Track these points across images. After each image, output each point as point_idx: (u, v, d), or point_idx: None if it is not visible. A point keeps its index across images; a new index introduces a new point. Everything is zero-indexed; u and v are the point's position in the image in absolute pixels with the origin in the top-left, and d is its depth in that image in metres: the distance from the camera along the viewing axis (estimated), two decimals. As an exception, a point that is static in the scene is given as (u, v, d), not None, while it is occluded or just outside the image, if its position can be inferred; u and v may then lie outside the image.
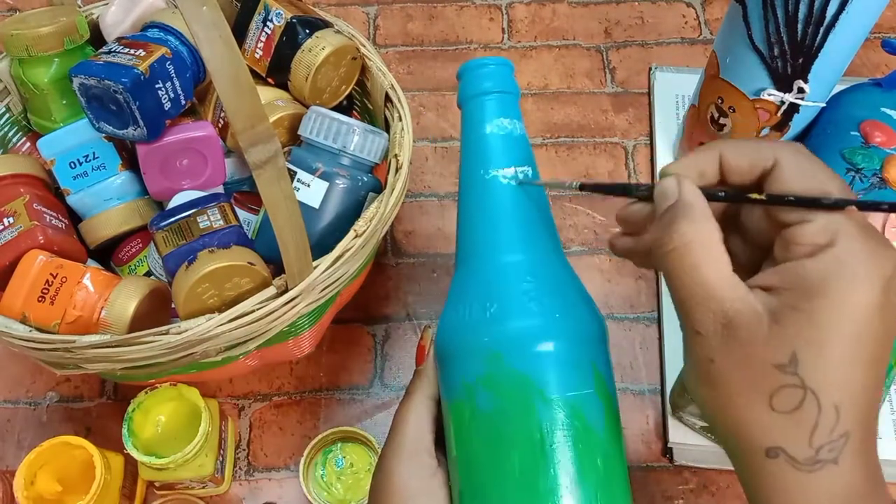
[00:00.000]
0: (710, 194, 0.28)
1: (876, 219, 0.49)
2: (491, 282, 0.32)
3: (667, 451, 0.55)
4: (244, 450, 0.57)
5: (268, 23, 0.53)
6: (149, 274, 0.52)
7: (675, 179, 0.28)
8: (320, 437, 0.54)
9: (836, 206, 0.25)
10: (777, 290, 0.26)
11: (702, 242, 0.26)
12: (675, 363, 0.57)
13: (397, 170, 0.48)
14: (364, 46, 0.54)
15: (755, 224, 0.29)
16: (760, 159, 0.27)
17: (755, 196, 0.27)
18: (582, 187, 0.32)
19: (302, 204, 0.47)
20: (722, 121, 0.59)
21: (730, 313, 0.25)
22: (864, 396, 0.25)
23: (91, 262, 0.51)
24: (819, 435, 0.25)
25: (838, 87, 0.56)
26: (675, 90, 0.72)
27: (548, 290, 0.31)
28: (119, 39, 0.49)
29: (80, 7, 0.54)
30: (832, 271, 0.25)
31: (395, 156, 0.49)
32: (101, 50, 0.48)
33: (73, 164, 0.50)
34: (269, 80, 0.54)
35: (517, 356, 0.30)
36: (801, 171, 0.27)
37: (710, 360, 0.26)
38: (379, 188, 0.50)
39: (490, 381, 0.30)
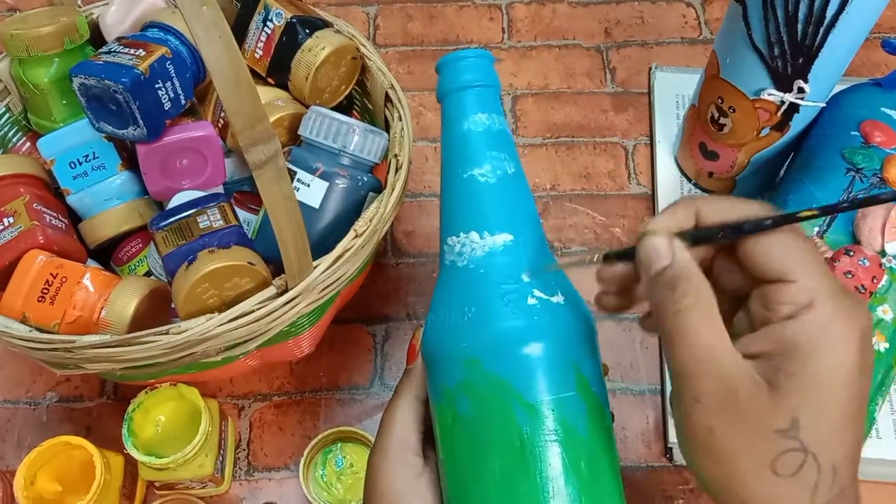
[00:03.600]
0: (699, 235, 0.28)
1: (876, 218, 0.49)
2: (469, 285, 0.31)
3: (667, 451, 0.55)
4: (244, 450, 0.57)
5: (268, 23, 0.53)
6: (149, 274, 0.52)
7: (665, 240, 0.28)
8: (320, 437, 0.54)
9: (831, 210, 0.26)
10: (767, 356, 0.26)
11: (703, 309, 0.26)
12: (675, 363, 0.57)
13: (397, 170, 0.48)
14: (364, 46, 0.54)
15: (729, 277, 0.29)
16: (733, 218, 0.28)
17: (757, 221, 0.27)
18: (606, 258, 0.31)
19: (302, 204, 0.47)
20: (722, 121, 0.59)
21: (731, 381, 0.26)
22: (855, 451, 0.26)
23: (91, 262, 0.51)
24: (820, 494, 0.25)
25: (838, 87, 0.56)
26: (675, 90, 0.72)
27: (527, 293, 0.30)
28: (119, 39, 0.49)
29: (80, 7, 0.54)
30: (819, 334, 0.25)
31: (395, 156, 0.49)
32: (101, 50, 0.48)
33: (73, 164, 0.50)
34: (269, 80, 0.54)
35: (495, 361, 0.29)
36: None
37: (709, 429, 0.26)
38: (379, 188, 0.50)
39: (469, 387, 0.30)
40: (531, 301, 0.30)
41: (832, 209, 0.27)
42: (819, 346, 0.25)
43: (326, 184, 0.48)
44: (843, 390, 0.25)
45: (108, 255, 0.54)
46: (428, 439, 0.34)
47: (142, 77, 0.45)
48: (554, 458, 0.29)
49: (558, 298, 0.31)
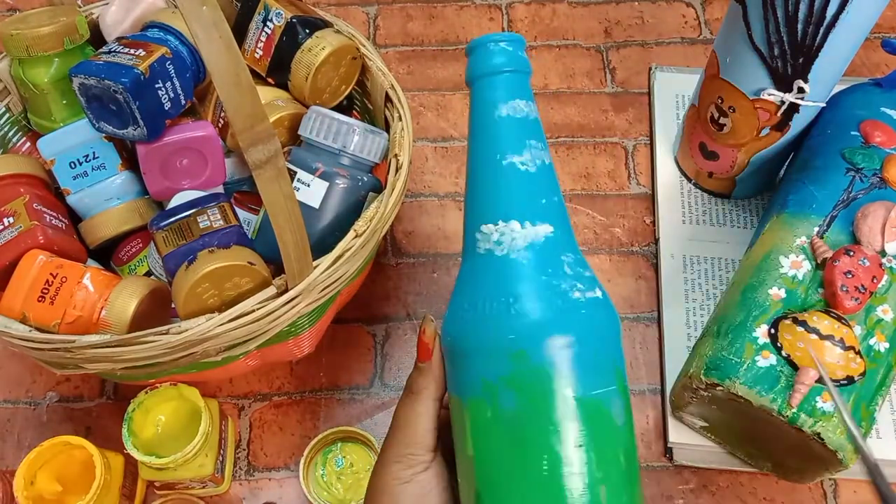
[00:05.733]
0: None
1: (876, 218, 0.49)
2: (511, 275, 0.30)
3: (667, 451, 0.55)
4: (244, 450, 0.57)
5: (268, 23, 0.53)
6: (149, 274, 0.52)
7: None
8: (320, 436, 0.54)
9: None
10: None
11: None
12: (675, 363, 0.57)
13: (397, 170, 0.48)
14: (364, 46, 0.54)
15: None
16: None
17: None
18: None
19: (302, 204, 0.47)
20: (722, 120, 0.59)
21: None
22: None
23: (91, 262, 0.51)
24: None
25: (838, 87, 0.56)
26: (675, 90, 0.72)
27: (572, 287, 0.30)
28: (119, 39, 0.49)
29: (80, 7, 0.54)
30: None
31: (395, 156, 0.49)
32: (101, 50, 0.48)
33: (73, 164, 0.50)
34: (269, 80, 0.54)
35: (543, 354, 0.29)
36: None
37: None
38: (379, 188, 0.50)
39: (514, 380, 0.29)
40: (576, 295, 0.30)
41: None
42: None
43: (326, 184, 0.48)
44: None
45: (108, 255, 0.54)
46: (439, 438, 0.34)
47: (142, 77, 0.45)
48: (600, 452, 0.29)
49: (597, 293, 0.31)
